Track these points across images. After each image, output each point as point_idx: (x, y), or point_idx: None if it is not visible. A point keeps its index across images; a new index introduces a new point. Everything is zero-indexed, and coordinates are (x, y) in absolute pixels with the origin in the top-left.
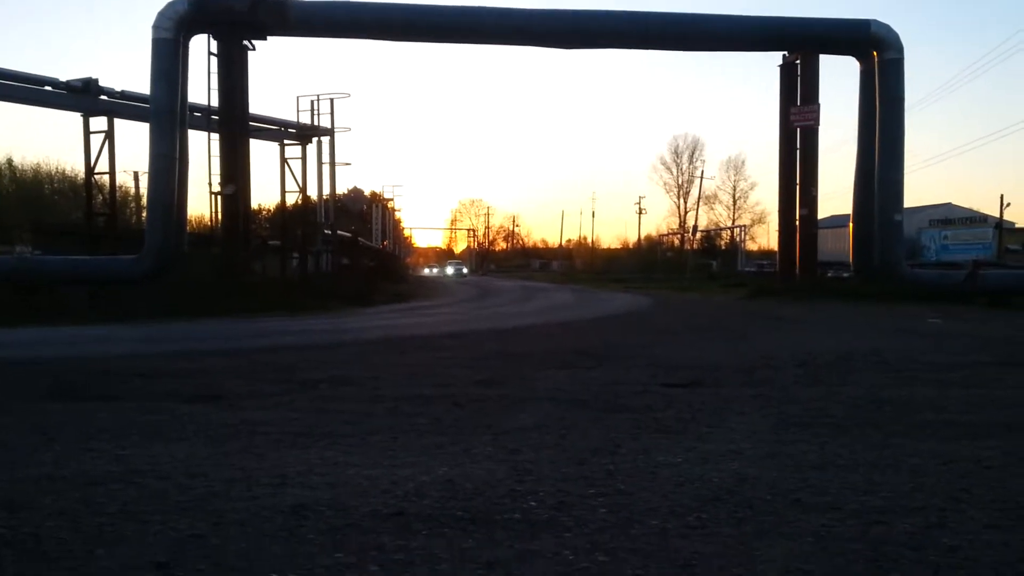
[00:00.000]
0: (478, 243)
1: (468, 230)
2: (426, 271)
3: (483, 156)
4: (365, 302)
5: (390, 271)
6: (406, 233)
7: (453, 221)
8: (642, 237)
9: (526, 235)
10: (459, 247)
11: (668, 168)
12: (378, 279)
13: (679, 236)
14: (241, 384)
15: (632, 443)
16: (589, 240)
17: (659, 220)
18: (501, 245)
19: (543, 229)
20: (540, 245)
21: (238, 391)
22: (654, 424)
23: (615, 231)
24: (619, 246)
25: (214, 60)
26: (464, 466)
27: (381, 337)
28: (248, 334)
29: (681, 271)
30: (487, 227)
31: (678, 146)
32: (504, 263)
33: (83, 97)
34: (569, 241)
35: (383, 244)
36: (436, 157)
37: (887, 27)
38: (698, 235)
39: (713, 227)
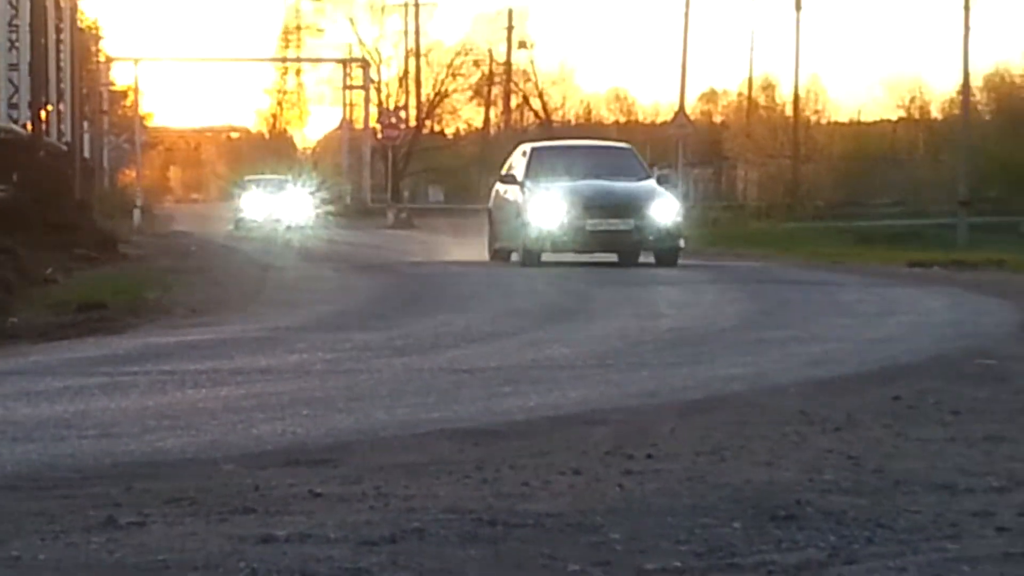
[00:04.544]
0: (384, 110)
1: (347, 62)
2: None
3: None
4: None
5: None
6: (119, 86)
7: (290, 32)
8: (973, 83)
9: (551, 85)
10: (309, 129)
11: None
12: None
13: None
14: None
15: None
16: (787, 90)
17: None
18: (463, 120)
19: (595, 70)
20: (606, 117)
21: None
22: None
23: (868, 74)
24: (889, 115)
25: None
26: None
27: None
28: None
29: None
30: (415, 51)
31: None
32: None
33: None
34: (716, 104)
35: (42, 116)
36: None
37: None
38: None
39: None
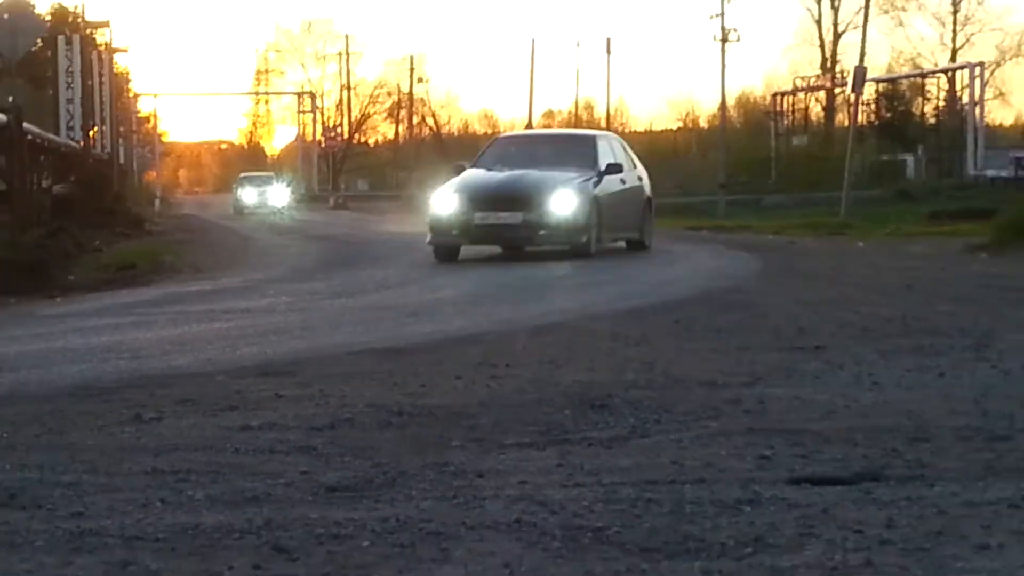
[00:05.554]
0: (326, 127)
1: (300, 94)
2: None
3: None
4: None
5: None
6: (143, 113)
7: (260, 73)
8: (728, 102)
9: (440, 108)
10: (274, 141)
11: None
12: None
13: (822, 92)
14: None
15: None
16: (602, 109)
17: (770, 64)
18: (381, 133)
19: (472, 96)
20: (479, 130)
21: None
22: None
23: (657, 96)
24: (671, 125)
25: None
26: None
27: None
28: None
29: (829, 179)
30: (347, 86)
31: None
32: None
33: None
34: (554, 119)
35: (90, 135)
36: None
37: None
38: (869, 91)
39: (910, 71)
